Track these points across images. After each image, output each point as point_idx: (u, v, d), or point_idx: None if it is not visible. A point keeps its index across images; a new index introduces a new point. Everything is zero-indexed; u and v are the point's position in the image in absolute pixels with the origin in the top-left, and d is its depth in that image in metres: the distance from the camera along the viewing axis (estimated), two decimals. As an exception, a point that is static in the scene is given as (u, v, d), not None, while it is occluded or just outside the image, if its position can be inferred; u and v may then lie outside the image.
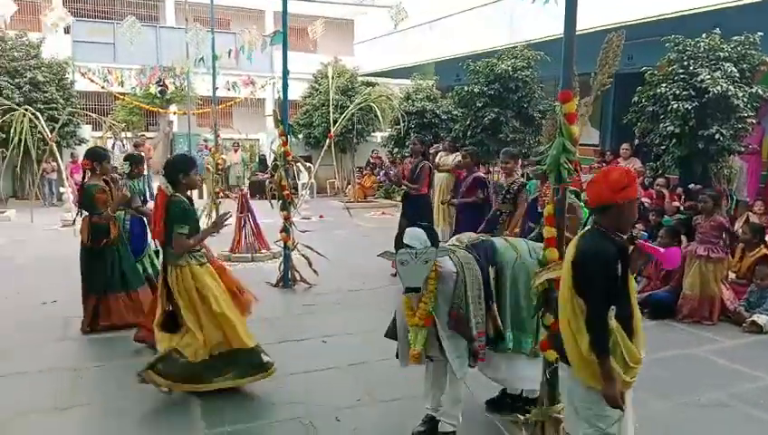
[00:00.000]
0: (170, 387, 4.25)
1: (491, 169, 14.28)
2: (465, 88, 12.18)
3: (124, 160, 5.28)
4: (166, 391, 4.29)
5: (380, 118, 14.76)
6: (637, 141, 10.33)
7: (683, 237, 7.32)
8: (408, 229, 3.50)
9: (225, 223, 4.56)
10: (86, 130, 16.41)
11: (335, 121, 14.16)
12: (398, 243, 3.42)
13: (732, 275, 6.96)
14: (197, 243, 4.33)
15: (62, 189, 12.89)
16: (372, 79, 18.00)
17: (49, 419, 4.09)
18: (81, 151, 15.63)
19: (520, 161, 9.16)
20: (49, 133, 12.00)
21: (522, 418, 3.51)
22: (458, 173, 7.86)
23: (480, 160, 7.91)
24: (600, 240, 2.81)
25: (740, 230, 7.44)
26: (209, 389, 4.27)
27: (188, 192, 4.46)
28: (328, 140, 13.42)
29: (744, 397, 4.62)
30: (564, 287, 2.85)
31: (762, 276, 6.50)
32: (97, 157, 5.67)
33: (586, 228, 3.06)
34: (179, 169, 4.31)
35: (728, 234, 6.66)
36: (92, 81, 19.18)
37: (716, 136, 8.32)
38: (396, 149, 15.65)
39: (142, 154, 10.69)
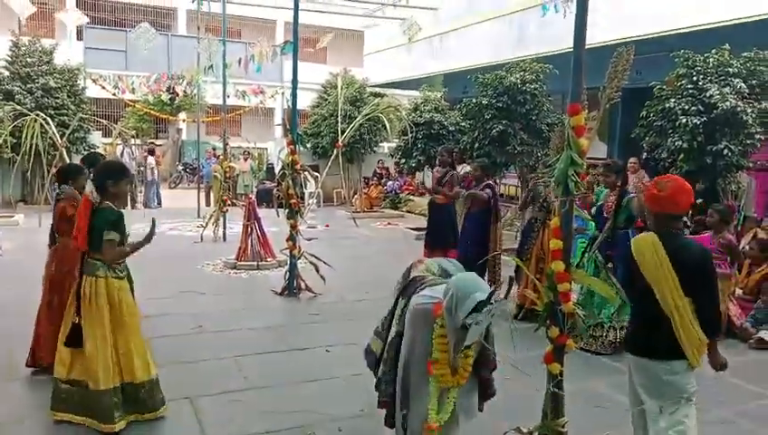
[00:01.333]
0: (88, 423, 3.95)
1: (497, 181, 14.25)
2: (474, 100, 12.21)
3: (81, 160, 4.91)
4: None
5: (388, 129, 14.81)
6: (645, 155, 10.32)
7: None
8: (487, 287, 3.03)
9: (154, 234, 4.12)
10: (96, 137, 16.51)
11: (343, 131, 14.21)
12: (487, 301, 2.87)
13: (738, 292, 6.92)
14: (129, 253, 4.05)
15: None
16: (381, 90, 18.08)
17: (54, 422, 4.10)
18: (90, 157, 15.77)
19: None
20: (59, 139, 12.08)
21: (525, 430, 3.49)
22: (467, 182, 7.91)
23: (489, 173, 7.97)
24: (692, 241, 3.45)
25: (747, 247, 7.41)
26: (112, 429, 3.90)
27: (118, 202, 4.11)
28: (335, 150, 13.47)
29: (749, 414, 4.58)
30: (673, 292, 3.14)
31: (769, 293, 6.47)
32: (94, 161, 5.34)
33: (649, 232, 3.36)
34: (109, 176, 4.02)
35: (732, 254, 6.58)
36: (103, 87, 19.35)
37: (725, 152, 8.30)
38: (403, 160, 15.68)
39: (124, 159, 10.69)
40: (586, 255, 6.05)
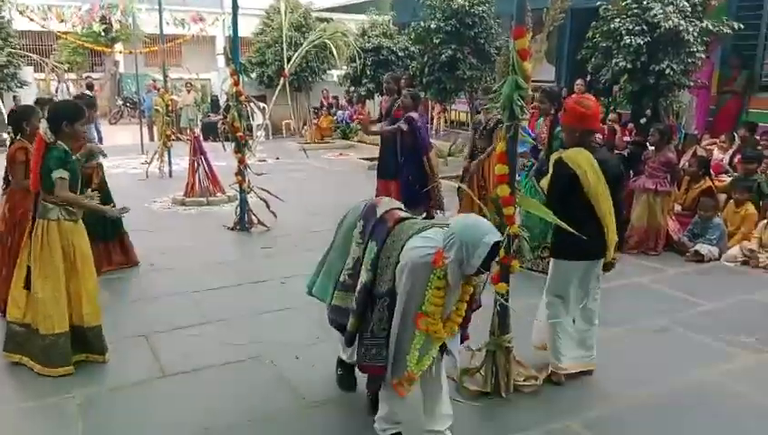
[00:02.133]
0: (37, 369, 3.91)
1: (447, 108, 14.22)
2: (422, 24, 11.99)
3: (35, 102, 4.83)
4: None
5: (336, 55, 14.43)
6: (589, 77, 10.40)
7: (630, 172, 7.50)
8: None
9: (120, 214, 4.34)
10: (28, 72, 15.63)
11: (289, 59, 13.80)
12: (501, 242, 2.85)
13: (677, 207, 7.22)
14: (77, 203, 3.94)
15: (4, 135, 12.35)
16: (327, 14, 17.52)
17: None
18: (23, 94, 14.96)
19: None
20: (-13, 76, 11.42)
21: (474, 348, 3.64)
22: (395, 114, 7.76)
23: (418, 103, 7.77)
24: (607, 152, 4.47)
25: (687, 164, 7.68)
26: (67, 372, 3.92)
27: (72, 142, 4.06)
28: (282, 80, 13.12)
29: (684, 322, 4.88)
30: (608, 199, 3.58)
31: (705, 208, 6.76)
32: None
33: (578, 148, 3.66)
34: (65, 117, 3.92)
35: (672, 172, 6.85)
36: (31, 19, 18.15)
37: (667, 71, 8.44)
38: (352, 88, 15.41)
39: (93, 96, 10.32)
40: (524, 180, 6.15)
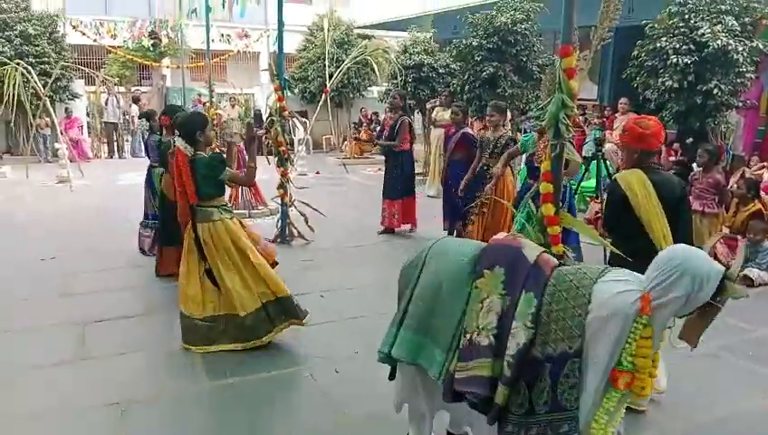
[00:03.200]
0: (240, 347, 4.41)
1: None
2: (464, 41, 12.01)
3: (139, 118, 5.23)
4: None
5: (377, 72, 14.57)
6: (641, 97, 10.24)
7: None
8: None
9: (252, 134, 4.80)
10: (79, 85, 16.16)
11: (331, 75, 13.98)
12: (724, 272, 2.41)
13: (725, 230, 7.03)
14: (254, 167, 4.56)
15: (56, 145, 12.80)
16: (368, 31, 17.70)
17: (57, 372, 4.17)
18: (74, 106, 15.49)
19: (509, 115, 9.10)
20: (42, 88, 11.84)
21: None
22: (447, 129, 7.80)
23: (467, 118, 7.78)
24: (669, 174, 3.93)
25: (735, 185, 7.48)
26: (258, 344, 4.44)
27: (207, 147, 4.48)
28: (324, 95, 13.30)
29: (733, 348, 4.73)
30: (663, 223, 3.40)
31: (755, 231, 6.57)
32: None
33: (634, 169, 3.54)
34: (196, 127, 4.30)
35: (721, 194, 6.69)
36: (84, 33, 18.82)
37: (715, 91, 8.27)
38: (393, 104, 15.50)
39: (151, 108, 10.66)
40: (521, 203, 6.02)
